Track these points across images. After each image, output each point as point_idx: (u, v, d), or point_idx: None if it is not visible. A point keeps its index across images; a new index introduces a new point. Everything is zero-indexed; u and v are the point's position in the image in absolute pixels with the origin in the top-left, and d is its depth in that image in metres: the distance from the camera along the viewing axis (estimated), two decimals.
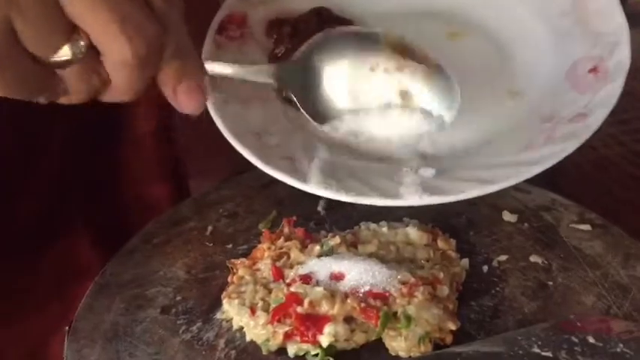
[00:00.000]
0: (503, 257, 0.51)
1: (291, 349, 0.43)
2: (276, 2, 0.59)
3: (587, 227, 0.53)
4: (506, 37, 0.57)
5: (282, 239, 0.50)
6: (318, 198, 0.56)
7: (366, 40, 0.48)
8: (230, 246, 0.52)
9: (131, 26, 0.35)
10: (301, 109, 0.47)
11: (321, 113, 0.48)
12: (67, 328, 0.46)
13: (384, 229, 0.51)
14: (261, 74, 0.46)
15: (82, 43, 0.35)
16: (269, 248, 0.49)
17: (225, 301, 0.46)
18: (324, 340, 0.43)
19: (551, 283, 0.49)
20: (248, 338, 0.45)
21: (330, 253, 0.48)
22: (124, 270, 0.50)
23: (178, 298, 0.48)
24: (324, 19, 0.58)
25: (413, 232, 0.51)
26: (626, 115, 0.82)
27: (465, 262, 0.50)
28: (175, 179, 0.69)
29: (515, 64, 0.56)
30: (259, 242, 0.51)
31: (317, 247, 0.49)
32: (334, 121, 0.49)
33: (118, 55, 0.35)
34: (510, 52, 0.57)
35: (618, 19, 0.53)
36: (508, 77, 0.56)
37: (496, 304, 0.47)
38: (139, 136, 0.66)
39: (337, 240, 0.49)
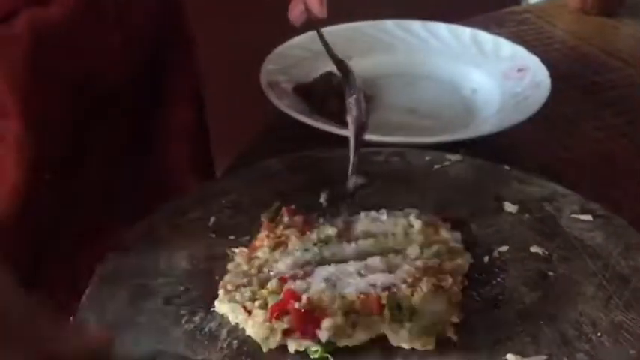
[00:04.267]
0: (504, 248, 0.51)
1: (291, 345, 0.44)
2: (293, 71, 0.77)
3: (588, 218, 0.54)
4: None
5: (280, 227, 0.50)
6: (321, 190, 0.56)
7: None
8: (233, 237, 0.53)
9: None
10: None
11: None
12: (71, 317, 0.47)
13: (384, 217, 0.52)
14: None
15: None
16: (267, 236, 0.50)
17: (217, 301, 0.46)
18: (323, 335, 0.43)
19: (551, 273, 0.49)
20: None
21: (328, 240, 0.49)
22: (127, 260, 0.51)
23: (181, 288, 0.48)
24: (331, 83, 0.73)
25: (414, 222, 0.51)
26: (629, 107, 0.82)
27: (468, 254, 0.50)
28: (206, 175, 0.71)
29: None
30: None
31: (314, 235, 0.49)
32: None
33: None
34: None
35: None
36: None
37: (497, 294, 0.48)
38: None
39: (334, 229, 0.50)
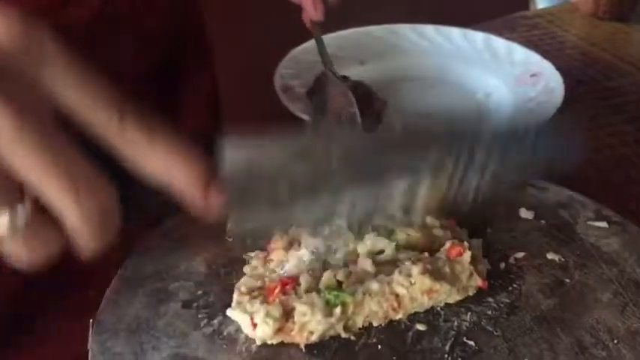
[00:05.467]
0: (520, 254, 0.51)
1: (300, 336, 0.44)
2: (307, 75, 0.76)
3: (603, 224, 0.54)
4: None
5: (292, 227, 0.51)
6: None
7: None
8: (249, 241, 0.53)
9: (82, 191, 0.34)
10: None
11: None
12: (90, 320, 0.47)
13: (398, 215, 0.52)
14: None
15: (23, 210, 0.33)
16: (281, 237, 0.50)
17: (228, 310, 0.46)
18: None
19: (568, 280, 0.49)
20: None
21: (340, 231, 0.49)
22: (145, 265, 0.51)
23: (199, 292, 0.49)
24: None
25: (432, 221, 0.51)
26: None
27: (485, 260, 0.50)
28: None
29: None
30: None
31: (327, 229, 0.49)
32: None
33: (69, 222, 0.34)
34: None
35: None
36: None
37: (513, 301, 0.48)
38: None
39: (345, 223, 0.50)
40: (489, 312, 0.47)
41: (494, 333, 0.45)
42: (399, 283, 0.46)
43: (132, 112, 0.36)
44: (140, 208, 0.40)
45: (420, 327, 0.46)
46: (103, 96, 0.36)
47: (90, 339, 0.45)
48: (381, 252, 0.49)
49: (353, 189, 0.42)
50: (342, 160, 0.41)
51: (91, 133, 0.36)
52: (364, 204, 0.42)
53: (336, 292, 0.45)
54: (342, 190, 0.42)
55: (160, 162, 0.37)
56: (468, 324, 0.46)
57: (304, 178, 0.41)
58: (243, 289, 0.47)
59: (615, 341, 0.45)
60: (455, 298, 0.47)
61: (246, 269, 0.50)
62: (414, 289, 0.46)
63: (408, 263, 0.47)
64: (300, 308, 0.44)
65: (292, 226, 0.51)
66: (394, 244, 0.48)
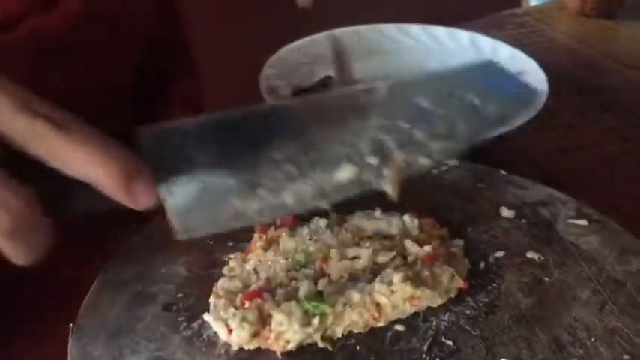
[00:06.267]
0: (500, 253, 0.52)
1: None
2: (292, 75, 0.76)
3: (584, 223, 0.54)
4: None
5: (272, 228, 0.51)
6: None
7: None
8: (231, 243, 0.53)
9: None
10: None
11: None
12: (71, 324, 0.47)
13: (378, 214, 0.52)
14: None
15: None
16: (260, 238, 0.51)
17: (205, 315, 0.46)
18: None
19: (547, 278, 0.49)
20: None
21: (318, 231, 0.49)
22: (125, 267, 0.51)
23: (180, 295, 0.49)
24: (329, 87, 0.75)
25: (411, 221, 0.52)
26: (629, 110, 0.82)
27: (466, 260, 0.51)
28: None
29: None
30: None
31: (305, 229, 0.50)
32: None
33: None
34: None
35: None
36: None
37: (492, 300, 0.48)
38: None
39: (325, 221, 0.51)
40: (468, 311, 0.47)
41: (473, 332, 0.46)
42: (380, 292, 0.46)
43: (41, 111, 0.36)
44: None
45: (399, 327, 0.46)
46: (11, 101, 0.36)
47: (70, 343, 0.46)
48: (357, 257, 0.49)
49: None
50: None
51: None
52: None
53: (315, 303, 0.45)
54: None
55: (75, 156, 0.36)
56: (446, 324, 0.46)
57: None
58: (220, 292, 0.47)
59: (593, 339, 0.45)
60: (437, 302, 0.47)
61: (225, 270, 0.50)
62: (396, 297, 0.46)
63: (389, 270, 0.47)
64: (277, 317, 0.44)
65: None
66: (371, 250, 0.48)
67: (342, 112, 0.43)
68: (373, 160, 0.42)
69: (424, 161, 0.43)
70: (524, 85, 0.49)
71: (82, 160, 0.37)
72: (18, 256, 0.37)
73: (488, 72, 0.48)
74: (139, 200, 0.39)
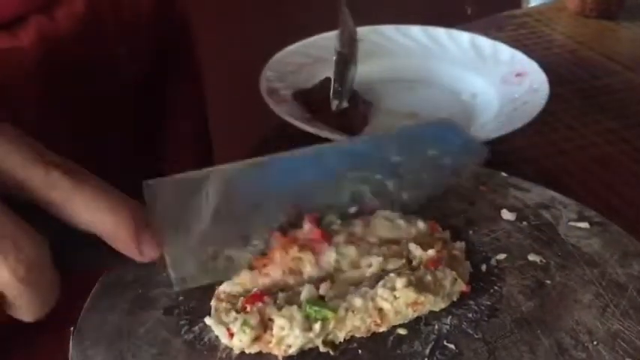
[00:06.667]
0: (501, 256, 0.51)
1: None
2: (292, 77, 0.77)
3: (585, 225, 0.54)
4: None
5: (295, 248, 0.47)
6: None
7: None
8: None
9: (6, 246, 0.34)
10: None
11: None
12: (72, 328, 0.47)
13: (400, 221, 0.51)
14: None
15: None
16: (281, 255, 0.47)
17: (206, 319, 0.46)
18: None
19: (549, 281, 0.49)
20: None
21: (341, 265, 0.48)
22: (126, 271, 0.51)
23: (181, 299, 0.49)
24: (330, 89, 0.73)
25: (420, 223, 0.51)
26: (629, 112, 0.82)
27: (467, 263, 0.51)
28: None
29: None
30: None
31: (333, 256, 0.47)
32: None
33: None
34: None
35: None
36: None
37: (494, 303, 0.48)
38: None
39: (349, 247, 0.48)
40: (470, 315, 0.47)
41: (475, 336, 0.45)
42: (382, 297, 0.45)
43: (56, 161, 0.37)
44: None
45: (401, 331, 0.46)
46: (28, 151, 0.37)
47: (70, 347, 0.45)
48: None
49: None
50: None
51: (15, 186, 0.35)
52: None
53: (317, 307, 0.44)
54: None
55: (87, 205, 0.37)
56: (448, 327, 0.46)
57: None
58: (221, 295, 0.47)
59: (595, 342, 0.45)
60: (439, 306, 0.47)
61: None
62: (399, 303, 0.45)
63: (392, 275, 0.47)
64: (279, 321, 0.44)
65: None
66: (381, 258, 0.48)
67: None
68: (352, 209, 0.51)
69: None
70: (473, 140, 0.58)
71: (93, 210, 0.37)
72: (28, 307, 0.37)
73: (445, 128, 0.55)
74: (145, 252, 0.39)
